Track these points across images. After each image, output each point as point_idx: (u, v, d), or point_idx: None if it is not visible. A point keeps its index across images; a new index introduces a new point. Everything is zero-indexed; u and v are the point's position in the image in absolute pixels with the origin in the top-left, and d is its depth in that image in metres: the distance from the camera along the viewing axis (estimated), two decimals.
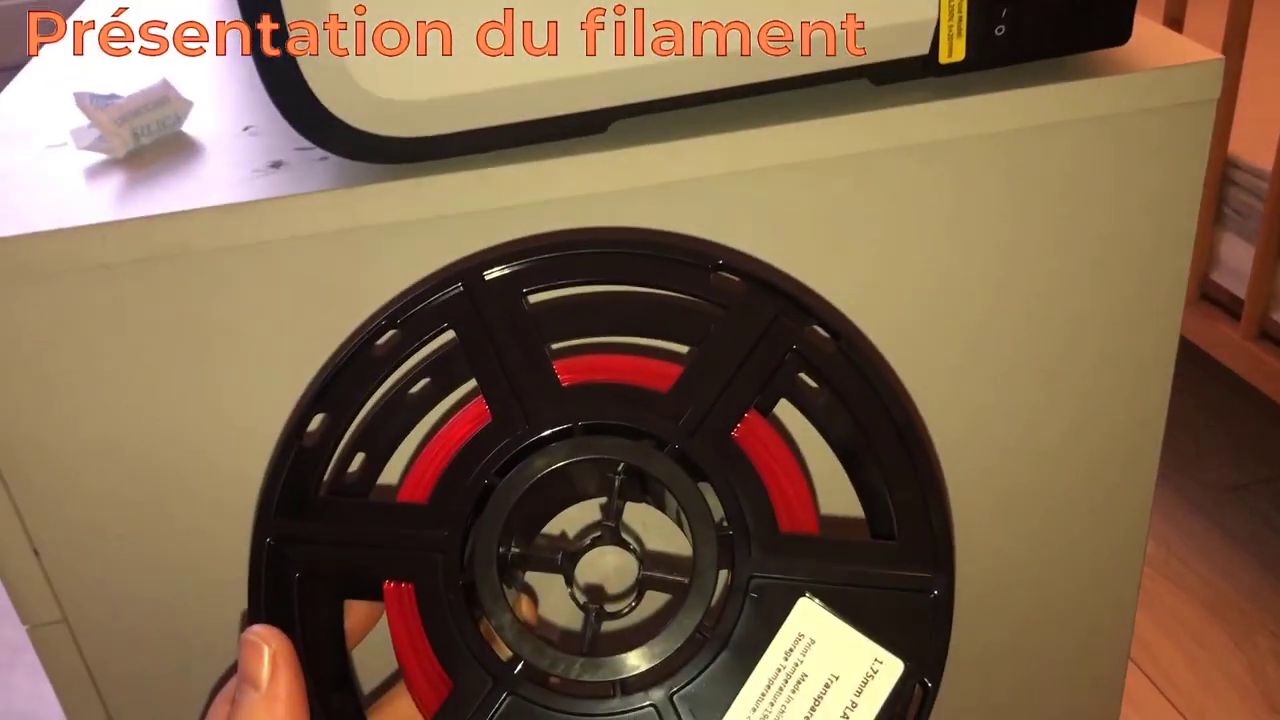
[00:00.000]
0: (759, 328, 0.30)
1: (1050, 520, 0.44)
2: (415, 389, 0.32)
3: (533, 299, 0.31)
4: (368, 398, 0.30)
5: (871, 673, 0.28)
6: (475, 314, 0.30)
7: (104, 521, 0.37)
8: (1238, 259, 1.16)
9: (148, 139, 0.38)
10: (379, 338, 0.30)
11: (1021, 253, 0.39)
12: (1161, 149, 0.37)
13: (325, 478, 0.30)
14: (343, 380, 0.30)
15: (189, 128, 0.39)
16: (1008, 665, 0.47)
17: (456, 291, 0.30)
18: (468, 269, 0.30)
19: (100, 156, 0.37)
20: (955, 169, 0.36)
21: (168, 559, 0.38)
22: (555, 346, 0.31)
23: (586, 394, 0.30)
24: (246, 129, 0.39)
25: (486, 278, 0.30)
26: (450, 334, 0.31)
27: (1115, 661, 0.48)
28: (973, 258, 0.38)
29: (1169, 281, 0.40)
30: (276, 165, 0.35)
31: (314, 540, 0.29)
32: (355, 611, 0.30)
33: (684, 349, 0.33)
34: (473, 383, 0.32)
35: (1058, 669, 0.48)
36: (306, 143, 0.33)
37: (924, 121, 0.35)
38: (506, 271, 0.30)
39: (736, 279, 0.30)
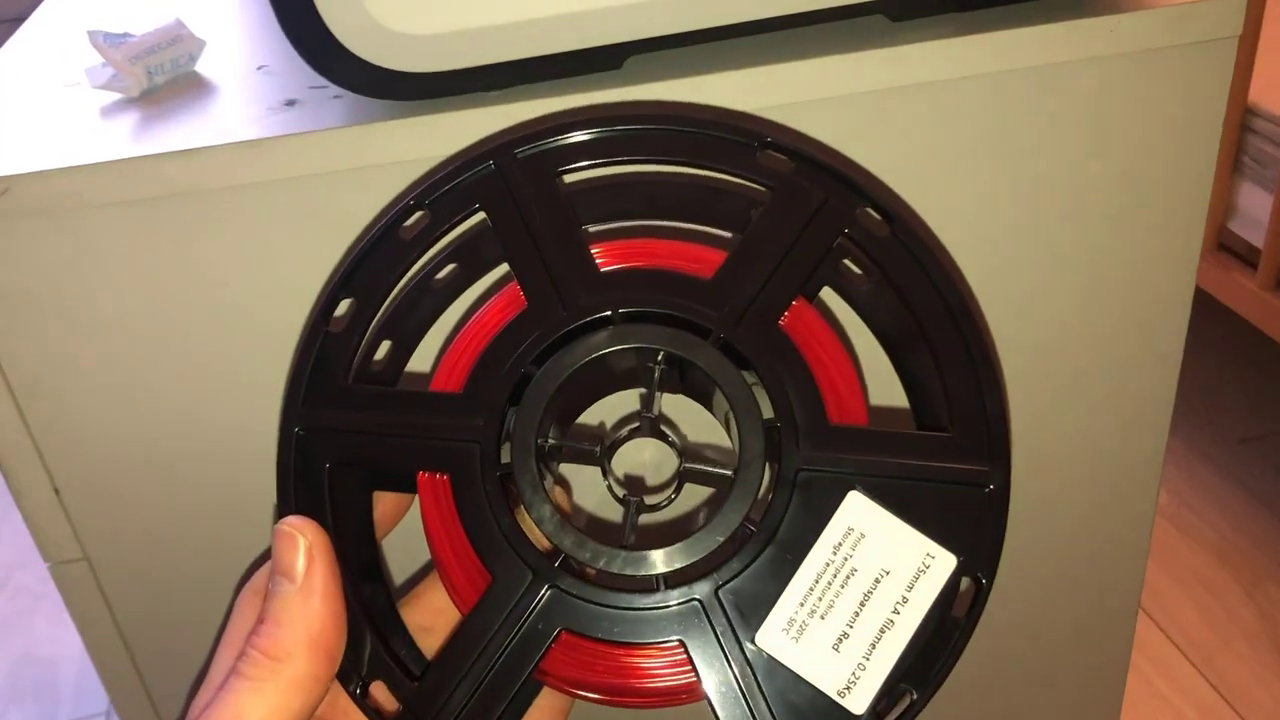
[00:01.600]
0: (808, 210, 0.28)
1: (1063, 466, 0.43)
2: (441, 275, 0.30)
3: (568, 180, 0.29)
4: (396, 282, 0.29)
5: (924, 567, 0.27)
6: (507, 194, 0.28)
7: (124, 459, 0.36)
8: (1256, 208, 1.14)
9: (161, 78, 0.37)
10: (406, 219, 0.28)
11: (1038, 191, 0.37)
12: (1182, 86, 0.36)
13: (353, 367, 0.28)
14: (370, 263, 0.28)
15: (202, 67, 0.39)
16: (1016, 611, 0.46)
17: (487, 171, 0.29)
18: (499, 146, 0.29)
19: (115, 95, 0.37)
20: (971, 106, 0.35)
21: (187, 496, 0.37)
22: (592, 230, 0.30)
23: (626, 279, 0.28)
24: (260, 68, 0.38)
25: (518, 156, 0.29)
26: (478, 218, 0.29)
27: (1126, 610, 0.48)
28: (988, 196, 0.37)
29: (1188, 220, 0.39)
30: (290, 104, 0.34)
31: (344, 430, 0.27)
32: (384, 503, 0.29)
33: (727, 236, 0.32)
34: (500, 270, 0.31)
35: (1068, 616, 0.47)
36: (320, 81, 0.32)
37: (941, 58, 0.34)
38: (539, 149, 0.29)
39: (785, 158, 0.29)
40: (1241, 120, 1.13)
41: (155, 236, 0.33)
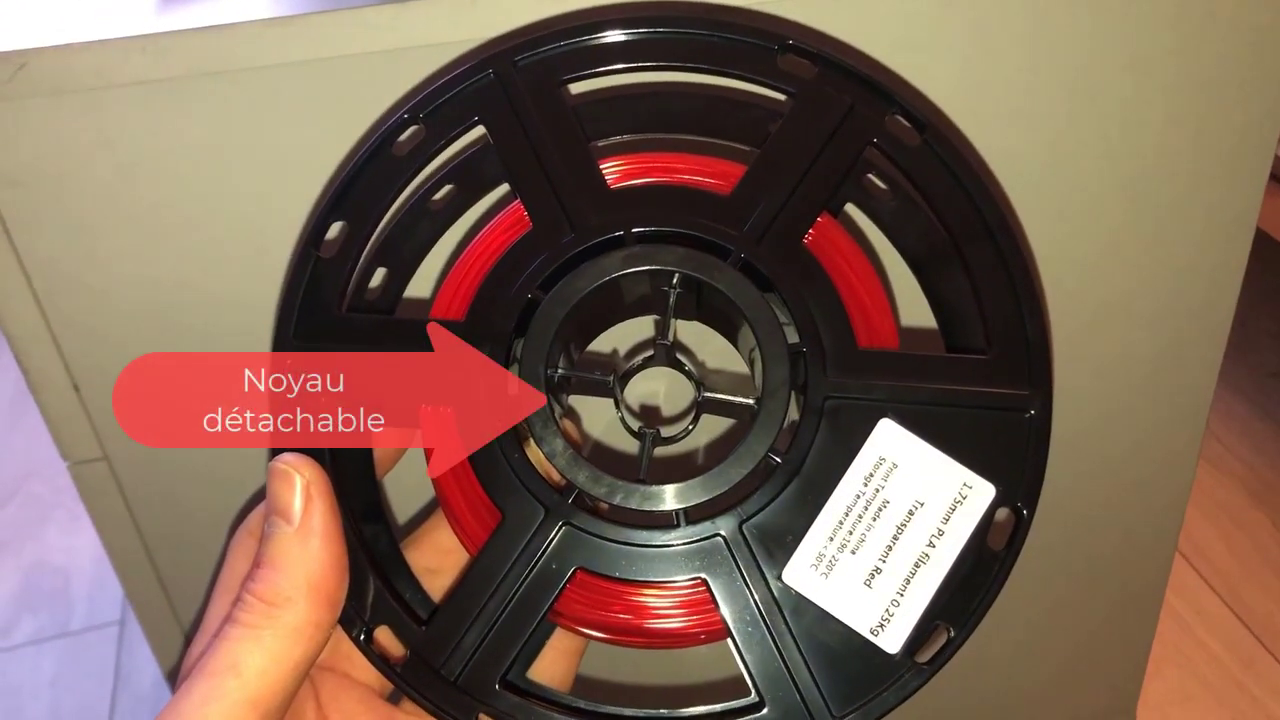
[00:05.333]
0: (833, 118, 0.26)
1: (1104, 397, 0.41)
2: (438, 197, 0.28)
3: (574, 90, 0.27)
4: (390, 202, 0.27)
5: (960, 498, 0.25)
6: (508, 106, 0.26)
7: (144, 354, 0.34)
8: None
9: None
10: (400, 134, 0.26)
11: (1088, 100, 0.34)
12: None
13: (347, 295, 0.27)
14: (361, 183, 0.26)
15: None
16: (1049, 544, 0.44)
17: (486, 80, 0.26)
18: (498, 54, 0.26)
19: None
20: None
21: None
22: (600, 145, 0.28)
23: (638, 197, 0.26)
24: None
25: (519, 64, 0.26)
26: (477, 133, 0.27)
27: (1163, 546, 0.46)
28: (1036, 107, 0.34)
29: (1258, 139, 0.36)
30: None
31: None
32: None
33: (744, 150, 0.30)
34: (500, 191, 0.29)
35: (1103, 551, 0.46)
36: None
37: None
38: (541, 56, 0.26)
39: (807, 62, 0.26)
40: None
41: (180, 118, 0.31)
